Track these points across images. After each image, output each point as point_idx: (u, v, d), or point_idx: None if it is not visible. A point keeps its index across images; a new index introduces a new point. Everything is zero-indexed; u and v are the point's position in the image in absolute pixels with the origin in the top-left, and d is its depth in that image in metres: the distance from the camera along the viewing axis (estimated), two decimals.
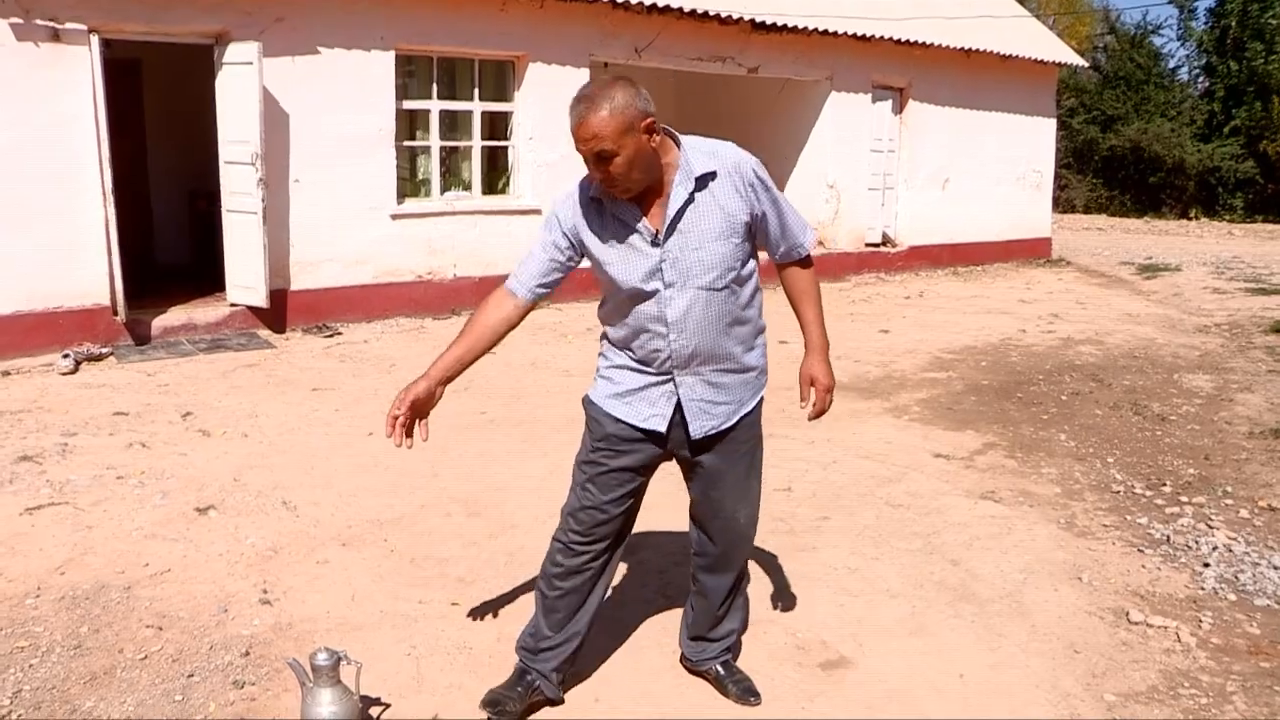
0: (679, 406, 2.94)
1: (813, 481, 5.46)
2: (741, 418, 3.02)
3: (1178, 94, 29.02)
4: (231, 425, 6.35)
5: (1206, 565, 4.53)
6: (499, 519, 4.85)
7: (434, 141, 10.43)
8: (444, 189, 10.61)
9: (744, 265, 2.91)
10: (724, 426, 3.00)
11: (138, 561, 4.26)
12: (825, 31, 12.56)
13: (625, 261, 2.81)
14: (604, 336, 3.06)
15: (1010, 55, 15.27)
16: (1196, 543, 4.77)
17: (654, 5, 10.85)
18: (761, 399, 3.11)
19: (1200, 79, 29.31)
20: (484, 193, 10.81)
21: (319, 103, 9.28)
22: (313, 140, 9.29)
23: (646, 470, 3.07)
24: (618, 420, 2.98)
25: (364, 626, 3.72)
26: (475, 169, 10.73)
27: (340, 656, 2.88)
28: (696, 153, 2.79)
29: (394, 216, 9.94)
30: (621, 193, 2.74)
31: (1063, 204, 26.96)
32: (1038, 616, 3.97)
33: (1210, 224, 25.75)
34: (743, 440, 3.07)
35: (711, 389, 2.96)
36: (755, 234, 2.92)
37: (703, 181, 2.77)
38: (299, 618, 3.78)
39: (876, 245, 14.75)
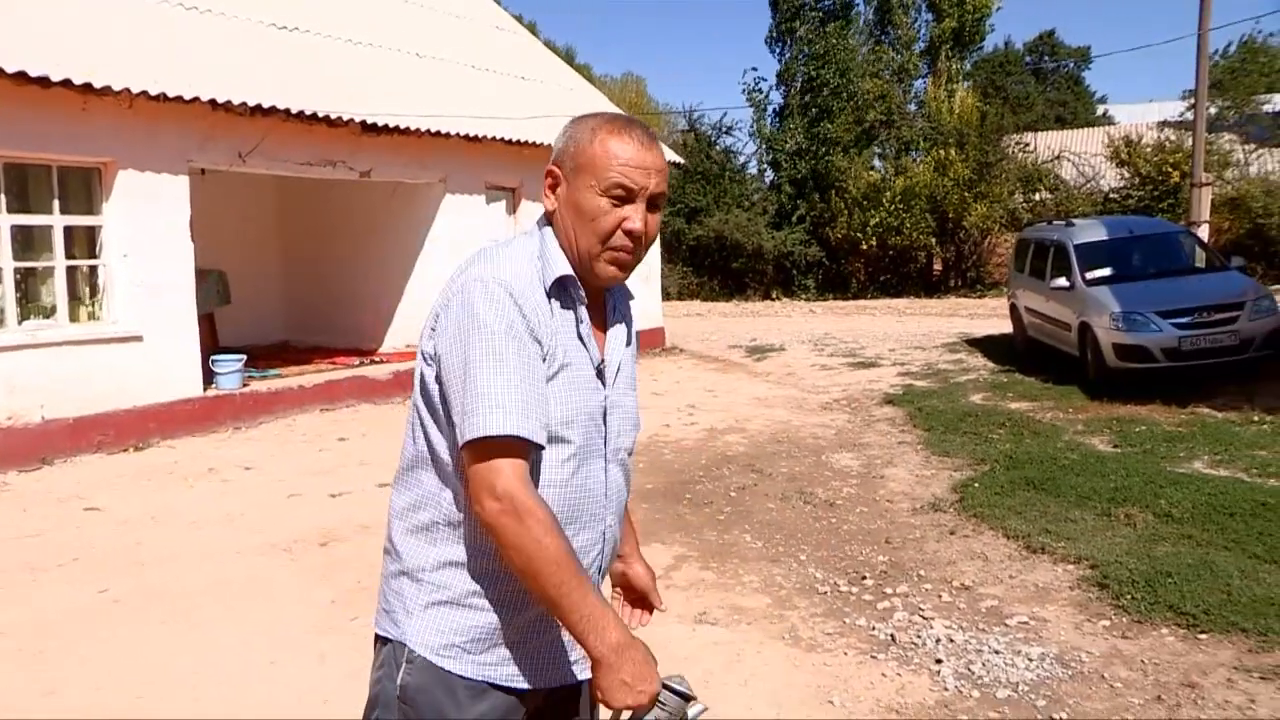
0: None
1: None
2: None
3: (750, 186, 31.57)
4: None
5: (939, 661, 4.42)
6: None
7: (5, 262, 8.80)
8: (22, 318, 8.98)
9: None
10: None
11: None
12: (438, 133, 12.18)
13: (583, 396, 1.88)
14: (442, 524, 1.88)
15: None
16: (920, 638, 4.67)
17: (258, 106, 9.95)
18: None
19: (768, 174, 32.07)
20: (72, 320, 9.30)
21: None
22: None
23: None
24: (519, 693, 1.87)
25: None
26: (60, 292, 9.19)
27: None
28: None
29: None
30: (625, 269, 1.90)
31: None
32: None
33: (792, 303, 27.95)
34: None
35: None
36: None
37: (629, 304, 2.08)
38: None
39: None
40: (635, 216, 1.84)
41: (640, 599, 2.30)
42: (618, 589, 2.32)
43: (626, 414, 1.99)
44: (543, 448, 1.76)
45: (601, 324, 1.95)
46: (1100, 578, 5.27)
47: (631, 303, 2.07)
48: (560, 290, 1.85)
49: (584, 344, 1.87)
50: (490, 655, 1.84)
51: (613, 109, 18.15)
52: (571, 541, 1.80)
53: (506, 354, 1.73)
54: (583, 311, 1.87)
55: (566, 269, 1.85)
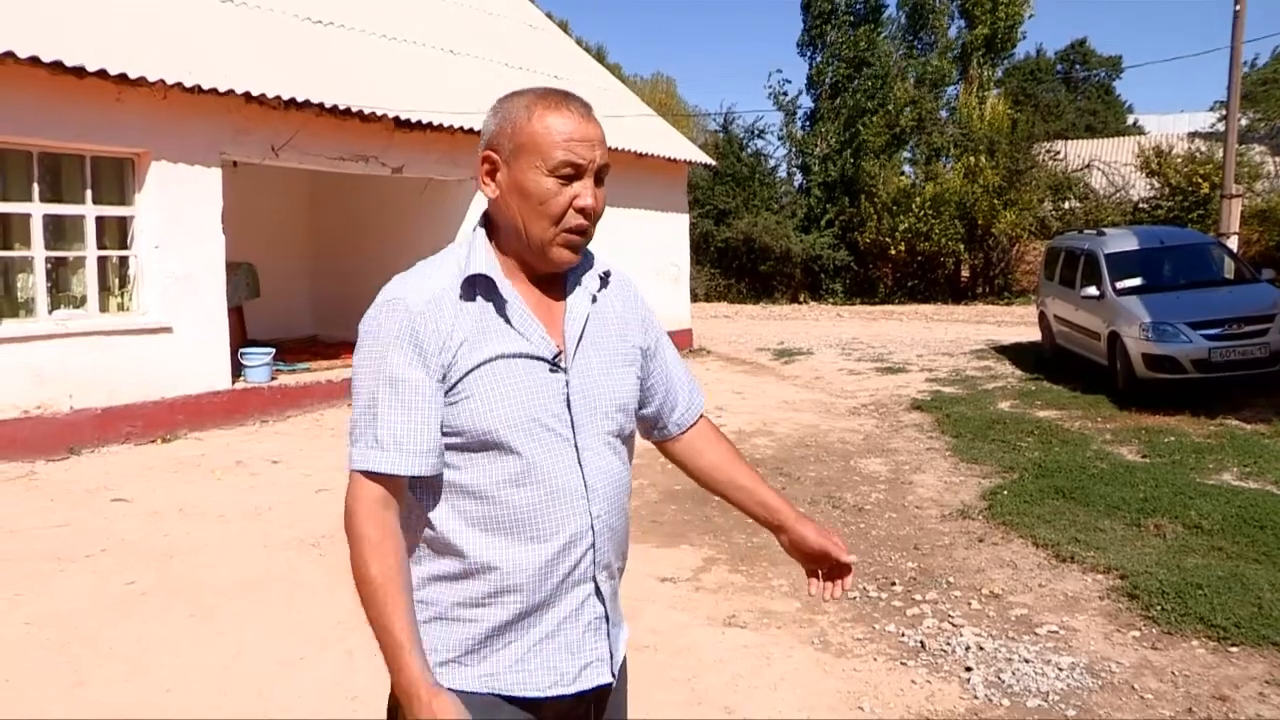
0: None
1: None
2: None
3: (779, 189, 31.55)
4: None
5: (969, 669, 4.40)
6: None
7: (37, 251, 8.88)
8: (53, 307, 9.06)
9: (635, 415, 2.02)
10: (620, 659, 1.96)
11: None
12: (470, 130, 12.19)
13: (522, 394, 1.75)
14: (423, 545, 1.82)
15: (646, 154, 15.65)
16: (950, 645, 4.65)
17: (291, 100, 10.01)
18: None
19: (797, 177, 32.05)
20: (102, 310, 9.38)
21: None
22: None
23: None
24: (530, 703, 1.81)
25: None
26: (90, 283, 9.26)
27: None
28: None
29: None
30: (579, 250, 1.82)
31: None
32: None
33: (819, 306, 27.93)
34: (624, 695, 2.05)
35: (614, 599, 1.94)
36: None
37: (606, 279, 1.93)
38: None
39: None
40: (586, 193, 1.76)
41: (832, 566, 2.08)
42: (810, 572, 2.12)
43: (604, 396, 1.84)
44: (421, 474, 1.73)
45: (553, 308, 1.85)
46: (1130, 588, 5.24)
47: (612, 273, 1.95)
48: (484, 288, 1.77)
49: (522, 335, 1.76)
50: (488, 665, 1.78)
51: (645, 108, 18.18)
52: (544, 547, 1.76)
53: (377, 381, 1.72)
54: (514, 305, 1.77)
55: (481, 267, 1.76)
